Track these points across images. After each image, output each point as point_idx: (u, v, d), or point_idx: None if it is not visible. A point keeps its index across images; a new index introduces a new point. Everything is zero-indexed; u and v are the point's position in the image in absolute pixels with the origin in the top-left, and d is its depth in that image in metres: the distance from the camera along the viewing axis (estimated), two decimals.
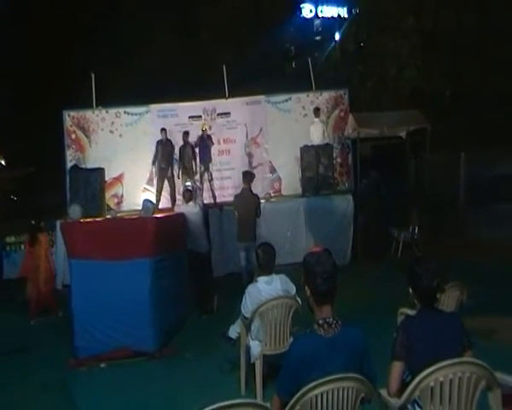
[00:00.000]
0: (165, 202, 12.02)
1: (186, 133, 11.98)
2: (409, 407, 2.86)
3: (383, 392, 3.00)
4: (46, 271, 8.61)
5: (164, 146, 11.86)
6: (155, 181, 12.71)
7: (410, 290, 3.15)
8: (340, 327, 2.72)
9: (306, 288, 2.80)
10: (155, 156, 11.88)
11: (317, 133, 11.80)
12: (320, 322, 2.72)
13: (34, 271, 8.53)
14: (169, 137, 12.09)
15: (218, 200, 11.89)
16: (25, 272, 8.94)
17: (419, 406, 2.84)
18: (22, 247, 10.67)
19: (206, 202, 11.03)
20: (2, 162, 25.75)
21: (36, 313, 8.43)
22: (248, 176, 8.92)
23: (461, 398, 2.71)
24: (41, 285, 8.45)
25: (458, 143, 13.22)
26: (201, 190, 11.42)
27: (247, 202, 8.56)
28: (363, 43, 18.06)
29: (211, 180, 11.85)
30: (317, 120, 11.99)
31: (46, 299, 8.54)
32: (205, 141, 11.90)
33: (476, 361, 2.72)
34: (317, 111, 12.10)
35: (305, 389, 2.59)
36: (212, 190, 11.86)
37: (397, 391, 2.92)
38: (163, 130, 11.96)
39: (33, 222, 9.10)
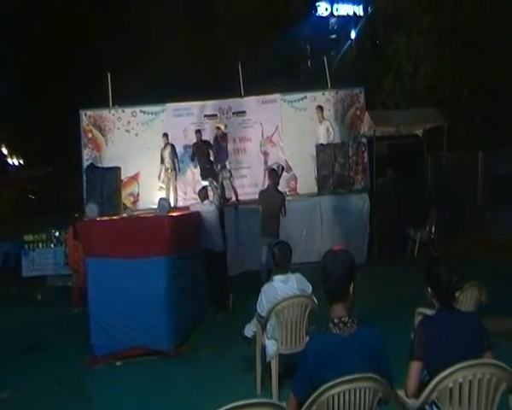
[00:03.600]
0: (180, 202, 12.06)
1: (198, 131, 12.00)
2: (427, 408, 2.83)
3: (400, 393, 2.96)
4: None
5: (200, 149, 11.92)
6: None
7: (429, 290, 3.12)
8: (356, 327, 2.69)
9: (322, 286, 2.79)
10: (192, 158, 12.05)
11: (321, 132, 11.89)
12: (335, 321, 2.69)
13: (80, 262, 8.78)
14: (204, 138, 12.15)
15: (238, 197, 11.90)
16: (72, 264, 9.43)
17: (437, 407, 2.80)
18: (40, 245, 10.85)
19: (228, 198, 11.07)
20: (21, 162, 26.16)
21: (79, 302, 8.58)
22: (274, 173, 9.11)
23: (480, 400, 2.67)
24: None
25: (476, 142, 13.05)
26: (218, 188, 11.41)
27: (272, 198, 8.69)
28: (379, 42, 17.91)
29: (230, 177, 11.86)
30: (321, 119, 12.01)
31: None
32: (220, 140, 11.90)
33: (497, 363, 2.68)
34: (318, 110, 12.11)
35: (321, 389, 2.57)
36: (233, 187, 11.86)
37: (415, 392, 2.89)
38: (197, 132, 12.01)
39: (77, 215, 9.35)
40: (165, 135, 12.12)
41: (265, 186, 9.03)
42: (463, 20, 14.53)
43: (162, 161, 12.06)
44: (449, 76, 14.98)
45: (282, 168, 10.83)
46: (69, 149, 14.77)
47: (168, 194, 11.96)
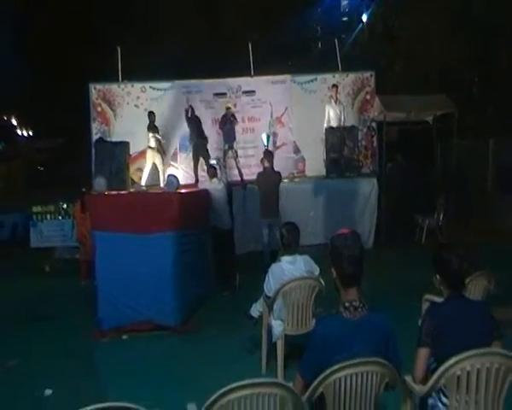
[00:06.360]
0: (189, 179, 12.05)
1: (190, 106, 11.86)
2: (434, 394, 2.85)
3: (408, 378, 2.97)
4: None
5: (190, 121, 11.84)
6: (179, 157, 12.76)
7: (438, 277, 3.09)
8: (366, 311, 2.70)
9: (333, 270, 2.79)
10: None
11: (335, 112, 11.79)
12: (346, 305, 2.70)
13: (87, 235, 8.84)
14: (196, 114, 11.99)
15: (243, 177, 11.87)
16: (80, 237, 9.51)
17: (444, 394, 2.82)
18: (49, 216, 10.93)
19: (233, 179, 11.03)
20: (30, 133, 26.17)
21: (87, 275, 8.70)
22: (269, 155, 9.12)
23: (488, 389, 2.68)
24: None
25: (487, 130, 12.95)
26: (225, 167, 11.38)
27: (270, 179, 8.73)
28: (391, 25, 17.70)
29: (236, 157, 11.80)
30: (335, 98, 11.90)
31: None
32: (229, 119, 11.84)
33: (506, 353, 2.68)
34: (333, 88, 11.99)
35: (328, 371, 2.59)
36: (239, 168, 11.81)
37: (422, 378, 2.90)
38: (189, 106, 11.89)
39: (84, 190, 9.41)
40: (152, 113, 11.84)
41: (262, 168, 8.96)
42: (476, 4, 14.34)
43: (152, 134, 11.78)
44: (461, 63, 14.84)
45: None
46: (78, 122, 14.75)
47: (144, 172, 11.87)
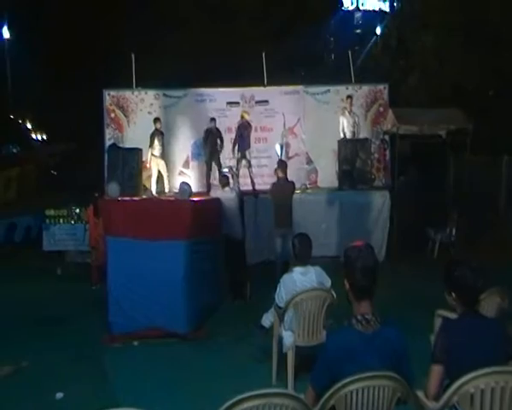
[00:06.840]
0: (200, 187, 12.09)
1: (213, 119, 11.95)
2: None
3: (420, 394, 2.93)
4: None
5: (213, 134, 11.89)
6: (191, 164, 12.81)
7: (453, 294, 3.02)
8: (378, 325, 2.68)
9: (346, 281, 2.77)
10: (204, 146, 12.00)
11: (349, 123, 11.83)
12: (358, 317, 2.68)
13: (100, 240, 8.89)
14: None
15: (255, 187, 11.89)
16: (92, 241, 9.57)
17: None
18: (61, 220, 11.03)
19: (244, 188, 11.07)
20: (44, 137, 26.41)
21: (98, 280, 8.78)
22: (283, 165, 9.06)
23: (503, 409, 2.66)
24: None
25: (501, 145, 12.89)
26: (238, 176, 11.39)
27: (284, 189, 8.67)
28: (406, 39, 17.72)
29: (249, 167, 11.81)
30: (349, 110, 11.94)
31: None
32: (244, 128, 11.86)
33: None
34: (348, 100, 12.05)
35: (340, 383, 2.58)
36: (251, 177, 11.81)
37: (435, 395, 2.86)
38: (213, 119, 11.97)
39: (97, 194, 9.51)
40: (158, 120, 11.91)
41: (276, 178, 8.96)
42: (492, 18, 14.32)
43: (151, 145, 11.73)
44: (475, 77, 14.80)
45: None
46: (92, 128, 14.87)
47: (152, 181, 11.90)
